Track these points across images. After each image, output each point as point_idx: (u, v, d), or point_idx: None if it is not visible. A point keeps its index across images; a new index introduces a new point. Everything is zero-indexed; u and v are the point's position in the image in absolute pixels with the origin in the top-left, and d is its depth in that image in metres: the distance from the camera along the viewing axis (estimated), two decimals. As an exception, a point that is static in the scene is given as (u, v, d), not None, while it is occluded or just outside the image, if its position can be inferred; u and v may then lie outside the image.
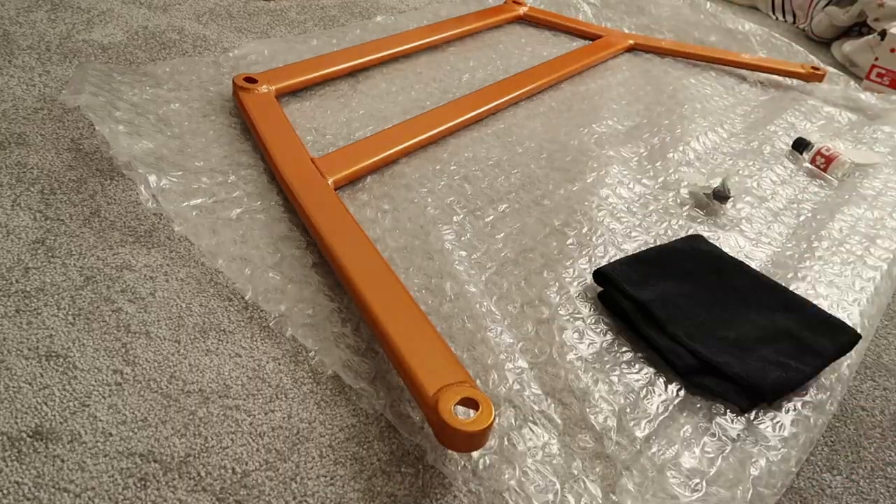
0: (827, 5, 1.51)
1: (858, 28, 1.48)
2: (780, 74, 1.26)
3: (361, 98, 0.96)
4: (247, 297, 0.61)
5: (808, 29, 1.57)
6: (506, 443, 0.53)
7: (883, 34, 1.33)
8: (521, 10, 1.32)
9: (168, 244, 0.65)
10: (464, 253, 0.71)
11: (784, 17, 1.66)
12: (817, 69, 1.25)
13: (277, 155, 0.76)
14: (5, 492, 0.44)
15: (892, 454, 0.59)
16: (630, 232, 0.79)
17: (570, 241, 0.76)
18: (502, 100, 0.99)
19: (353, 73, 1.00)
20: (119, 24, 1.01)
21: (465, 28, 1.20)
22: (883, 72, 1.31)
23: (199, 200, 0.70)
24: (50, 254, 0.62)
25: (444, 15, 1.28)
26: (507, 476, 0.51)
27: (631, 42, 1.28)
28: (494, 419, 0.49)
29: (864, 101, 1.21)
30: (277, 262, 0.65)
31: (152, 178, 0.70)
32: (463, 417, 0.49)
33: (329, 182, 0.74)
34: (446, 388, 0.51)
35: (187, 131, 0.80)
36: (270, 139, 0.78)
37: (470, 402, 0.50)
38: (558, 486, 0.51)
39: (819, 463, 0.57)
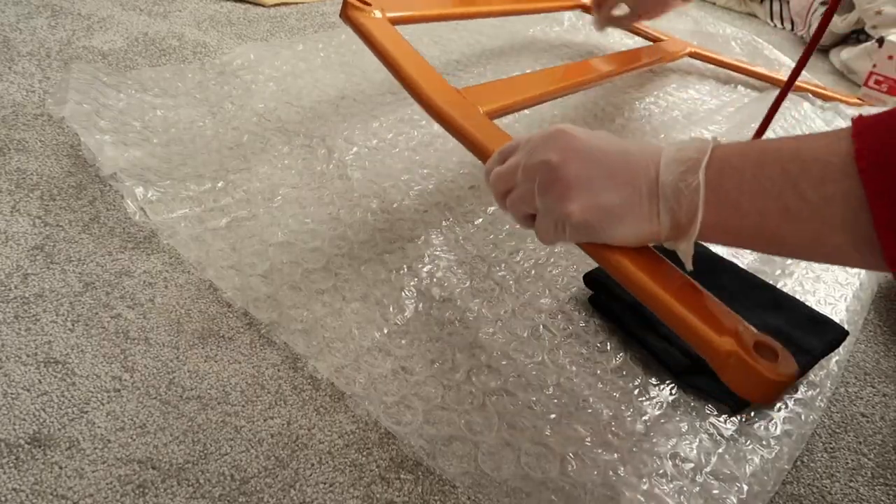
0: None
1: (856, 35, 1.49)
2: (831, 100, 1.27)
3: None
4: (237, 306, 0.61)
5: (805, 36, 1.57)
6: (503, 430, 0.53)
7: (881, 41, 1.33)
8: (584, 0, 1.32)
9: (167, 250, 0.65)
10: (454, 257, 0.71)
11: (782, 24, 1.67)
12: (862, 100, 1.30)
13: (422, 83, 0.71)
14: (3, 499, 0.44)
15: (893, 461, 0.59)
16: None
17: (559, 243, 0.76)
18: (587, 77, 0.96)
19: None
20: (119, 30, 1.01)
21: (531, 6, 1.19)
22: (881, 78, 1.31)
23: (186, 210, 0.70)
24: (49, 260, 0.61)
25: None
26: (504, 472, 0.51)
27: (689, 50, 1.26)
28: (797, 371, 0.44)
29: (841, 106, 1.22)
30: (268, 270, 0.65)
31: (139, 191, 0.70)
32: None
33: (481, 111, 0.69)
34: (734, 331, 0.45)
35: (174, 139, 0.80)
36: (408, 66, 0.74)
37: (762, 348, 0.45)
38: (557, 482, 0.50)
39: (819, 469, 0.57)
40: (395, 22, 0.86)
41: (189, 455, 0.49)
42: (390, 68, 0.76)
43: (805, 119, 1.14)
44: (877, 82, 1.31)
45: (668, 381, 0.62)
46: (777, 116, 1.11)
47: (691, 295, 0.49)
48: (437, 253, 0.71)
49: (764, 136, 1.05)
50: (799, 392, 0.62)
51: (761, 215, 0.39)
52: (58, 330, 0.55)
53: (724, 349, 0.44)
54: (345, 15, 0.82)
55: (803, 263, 0.79)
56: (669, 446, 0.56)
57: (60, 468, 0.46)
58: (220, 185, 0.74)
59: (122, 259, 0.63)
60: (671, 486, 0.52)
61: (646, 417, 0.58)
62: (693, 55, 1.26)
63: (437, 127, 0.93)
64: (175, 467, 0.48)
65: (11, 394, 0.50)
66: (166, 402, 0.52)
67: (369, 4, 0.84)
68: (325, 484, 0.49)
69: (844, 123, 1.16)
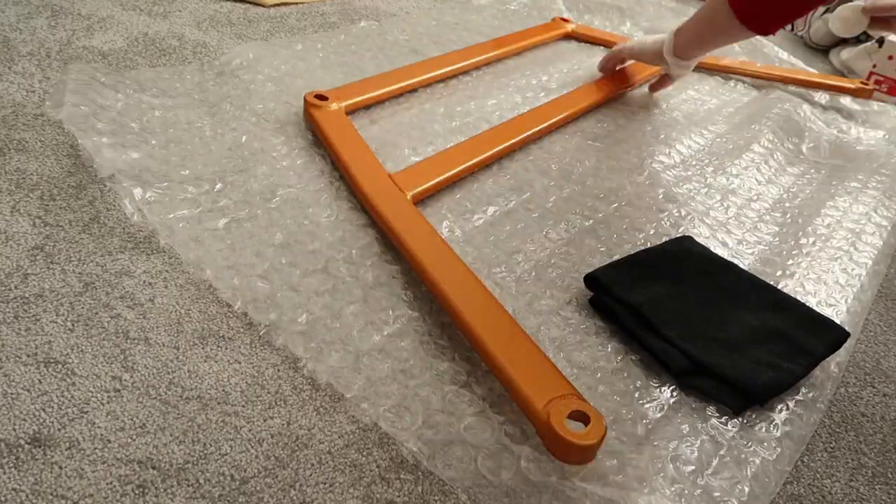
0: (825, 13, 1.52)
1: (856, 35, 1.49)
2: (832, 90, 1.26)
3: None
4: (235, 307, 0.61)
5: (806, 36, 1.57)
6: (503, 434, 0.53)
7: (881, 41, 1.33)
8: (569, 28, 1.33)
9: (167, 250, 0.65)
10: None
11: (782, 24, 1.67)
12: (866, 84, 1.27)
13: (355, 170, 0.78)
14: (3, 499, 0.44)
15: (893, 460, 0.59)
16: (620, 234, 0.79)
17: (560, 244, 0.76)
18: (564, 114, 1.00)
19: (409, 91, 1.01)
20: (119, 30, 1.01)
21: (517, 45, 1.21)
22: (881, 79, 1.31)
23: (184, 211, 0.70)
24: (49, 260, 0.61)
25: (448, 21, 1.29)
26: (504, 476, 0.51)
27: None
28: (606, 431, 0.52)
29: (846, 105, 1.22)
30: (266, 271, 0.65)
31: (137, 191, 0.70)
32: (574, 429, 0.51)
33: (408, 196, 0.75)
34: (555, 401, 0.53)
35: (172, 139, 0.80)
36: (347, 155, 0.80)
37: (579, 415, 0.52)
38: (556, 486, 0.50)
39: (819, 469, 0.57)
40: (353, 109, 0.92)
41: (189, 455, 0.49)
42: (334, 158, 0.82)
43: (805, 121, 1.14)
44: (877, 82, 1.31)
45: (668, 383, 0.62)
46: (776, 118, 1.12)
47: (527, 357, 0.57)
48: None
49: (763, 136, 1.05)
50: (800, 394, 0.62)
51: (695, 33, 0.96)
52: (58, 330, 0.55)
53: (542, 419, 0.52)
54: (306, 113, 0.88)
55: (804, 263, 0.79)
56: (670, 449, 0.55)
57: (60, 468, 0.46)
58: (218, 186, 0.74)
59: (122, 259, 0.63)
60: (672, 489, 0.52)
61: (647, 420, 0.58)
62: None
63: (437, 126, 0.94)
64: (175, 467, 0.48)
65: (11, 394, 0.50)
66: (166, 402, 0.52)
67: (326, 98, 0.89)
68: (325, 484, 0.49)
69: (845, 125, 1.16)
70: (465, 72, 1.10)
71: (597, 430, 0.51)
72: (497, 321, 0.60)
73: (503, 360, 0.56)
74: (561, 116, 0.99)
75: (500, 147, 0.88)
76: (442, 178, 0.80)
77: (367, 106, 0.95)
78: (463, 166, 0.83)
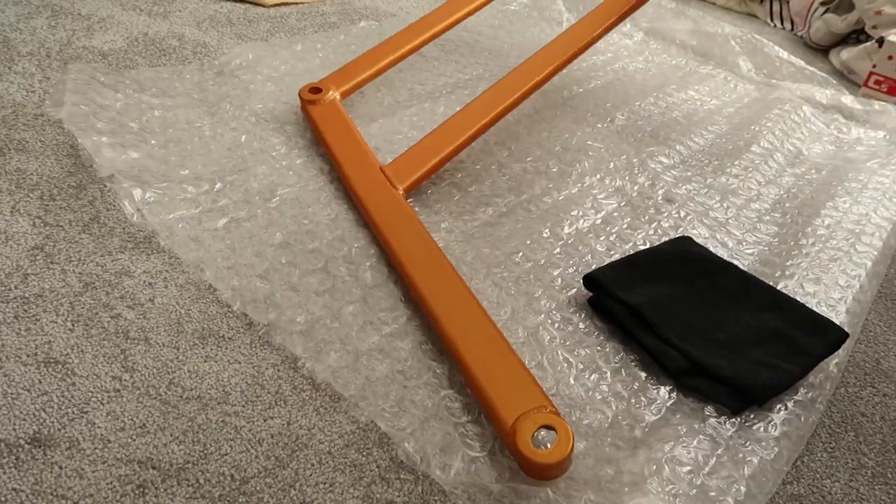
0: (825, 13, 1.51)
1: (856, 35, 1.49)
2: None
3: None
4: (235, 308, 0.61)
5: (806, 36, 1.57)
6: (497, 442, 0.53)
7: (881, 41, 1.33)
8: None
9: (167, 250, 0.65)
10: (452, 260, 0.71)
11: (782, 24, 1.67)
12: None
13: (346, 166, 0.77)
14: (3, 499, 0.44)
15: (893, 460, 0.59)
16: (619, 235, 0.79)
17: (558, 245, 0.76)
18: (542, 74, 0.94)
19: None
20: (119, 30, 1.01)
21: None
22: (881, 79, 1.31)
23: (184, 211, 0.70)
24: (49, 260, 0.62)
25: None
26: (497, 482, 0.51)
27: None
28: (573, 446, 0.50)
29: (847, 104, 1.22)
30: (266, 271, 0.65)
31: (136, 192, 0.70)
32: (545, 444, 0.50)
33: (400, 191, 0.75)
34: (524, 416, 0.52)
35: (172, 139, 0.80)
36: (340, 151, 0.80)
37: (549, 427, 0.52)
38: (549, 492, 0.50)
39: (819, 469, 0.57)
40: (349, 92, 0.92)
41: (189, 455, 0.49)
42: (327, 154, 0.82)
43: (805, 122, 1.14)
44: (876, 82, 1.31)
45: (667, 383, 0.62)
46: (776, 118, 1.12)
47: (503, 367, 0.56)
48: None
49: (763, 136, 1.05)
50: (799, 394, 0.62)
51: None
52: (58, 330, 0.55)
53: (510, 439, 0.51)
54: (302, 110, 0.89)
55: (803, 264, 0.79)
56: (667, 449, 0.55)
57: (60, 468, 0.46)
58: (217, 186, 0.74)
59: (122, 259, 0.63)
60: (668, 489, 0.52)
61: (644, 420, 0.58)
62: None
63: (435, 126, 0.93)
64: (175, 467, 0.48)
65: (11, 394, 0.50)
66: (166, 402, 0.52)
67: (320, 90, 0.89)
68: (325, 484, 0.49)
69: (846, 125, 1.16)
70: (448, 28, 1.08)
71: (562, 449, 0.50)
72: (475, 328, 0.59)
73: (476, 370, 0.55)
74: (539, 77, 0.94)
75: (487, 118, 0.86)
76: (436, 160, 0.79)
77: (363, 87, 0.95)
78: (456, 143, 0.82)
